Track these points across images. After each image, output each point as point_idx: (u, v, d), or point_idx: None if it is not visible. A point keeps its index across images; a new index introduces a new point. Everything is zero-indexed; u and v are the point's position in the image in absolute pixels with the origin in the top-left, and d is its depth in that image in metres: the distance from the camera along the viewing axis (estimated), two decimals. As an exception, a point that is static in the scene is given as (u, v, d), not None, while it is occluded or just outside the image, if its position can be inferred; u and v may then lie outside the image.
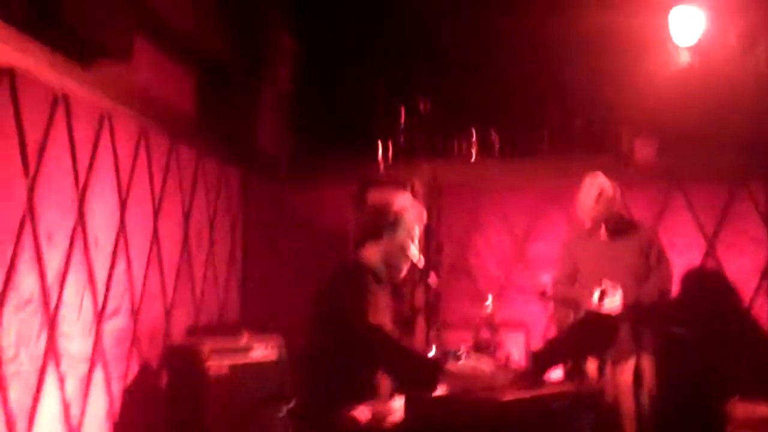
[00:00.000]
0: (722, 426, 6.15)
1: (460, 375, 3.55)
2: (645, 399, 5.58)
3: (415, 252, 3.84)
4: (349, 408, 3.44)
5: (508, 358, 6.24)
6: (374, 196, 3.99)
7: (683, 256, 6.65)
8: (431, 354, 4.02)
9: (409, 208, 3.82)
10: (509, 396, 3.21)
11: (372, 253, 3.77)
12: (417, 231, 3.83)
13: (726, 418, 6.16)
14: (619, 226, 5.78)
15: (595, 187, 5.68)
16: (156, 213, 5.79)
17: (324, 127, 7.26)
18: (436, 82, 7.38)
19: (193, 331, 6.11)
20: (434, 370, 3.47)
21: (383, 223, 3.77)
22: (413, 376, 3.52)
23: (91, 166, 4.99)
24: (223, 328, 6.43)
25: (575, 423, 3.58)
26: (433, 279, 6.43)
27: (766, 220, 6.77)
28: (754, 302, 6.74)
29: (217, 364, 5.32)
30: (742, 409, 6.13)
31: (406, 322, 6.42)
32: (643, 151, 6.79)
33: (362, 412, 3.38)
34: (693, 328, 4.54)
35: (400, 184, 7.00)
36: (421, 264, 3.92)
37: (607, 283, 5.52)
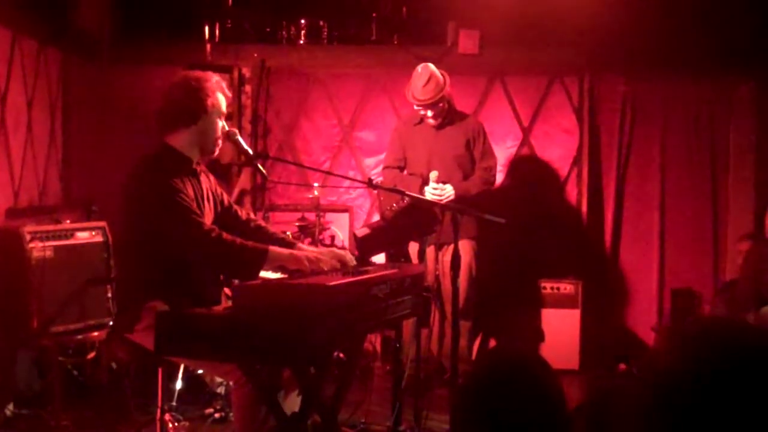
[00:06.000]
0: (535, 303, 6.60)
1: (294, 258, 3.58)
2: (463, 282, 5.86)
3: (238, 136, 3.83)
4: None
5: (333, 239, 6.43)
6: (182, 77, 3.69)
7: (501, 145, 6.94)
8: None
9: (219, 89, 3.68)
10: (335, 281, 3.27)
11: (183, 139, 3.64)
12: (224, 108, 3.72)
13: (537, 296, 6.61)
14: (448, 115, 5.95)
15: (426, 73, 5.81)
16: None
17: (148, 7, 6.99)
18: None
19: (12, 213, 5.95)
20: (255, 258, 3.47)
21: (198, 105, 3.61)
22: (234, 267, 3.56)
23: None
24: (44, 210, 6.29)
25: (396, 305, 3.74)
26: (260, 162, 6.46)
27: (577, 112, 7.11)
28: (563, 189, 7.14)
29: (41, 247, 5.22)
30: (550, 288, 6.62)
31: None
32: (467, 42, 6.93)
33: None
34: (508, 214, 4.78)
35: (228, 68, 6.94)
36: (246, 147, 3.91)
37: (432, 175, 5.73)
